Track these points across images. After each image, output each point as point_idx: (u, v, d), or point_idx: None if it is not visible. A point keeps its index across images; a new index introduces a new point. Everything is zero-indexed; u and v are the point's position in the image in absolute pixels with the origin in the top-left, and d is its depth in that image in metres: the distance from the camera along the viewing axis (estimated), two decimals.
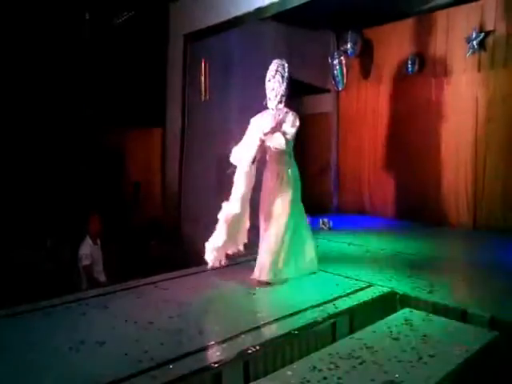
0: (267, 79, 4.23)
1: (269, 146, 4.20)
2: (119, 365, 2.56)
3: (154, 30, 7.18)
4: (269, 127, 4.15)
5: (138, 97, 7.39)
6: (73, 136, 7.03)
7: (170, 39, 6.99)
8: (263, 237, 4.26)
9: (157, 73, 7.15)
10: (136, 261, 5.53)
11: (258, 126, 4.27)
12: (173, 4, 6.94)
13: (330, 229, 6.58)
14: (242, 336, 2.89)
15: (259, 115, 4.37)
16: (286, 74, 4.16)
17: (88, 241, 4.95)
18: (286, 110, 4.23)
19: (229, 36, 6.69)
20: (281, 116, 4.19)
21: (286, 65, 4.19)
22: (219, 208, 6.76)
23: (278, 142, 4.10)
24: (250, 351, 2.67)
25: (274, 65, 4.21)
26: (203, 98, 6.38)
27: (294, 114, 4.21)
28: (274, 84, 4.18)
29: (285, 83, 4.16)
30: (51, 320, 3.27)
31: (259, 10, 5.54)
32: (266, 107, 4.32)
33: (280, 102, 4.20)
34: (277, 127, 4.14)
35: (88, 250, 4.89)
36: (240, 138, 7.07)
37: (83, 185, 6.78)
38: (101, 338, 2.90)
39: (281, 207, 4.18)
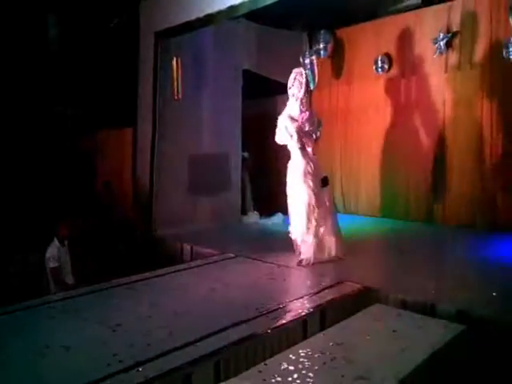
0: (288, 87, 4.87)
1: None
2: (86, 369, 2.49)
3: (125, 28, 7.07)
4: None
5: (109, 95, 7.27)
6: (42, 135, 6.85)
7: (140, 37, 6.88)
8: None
9: (128, 71, 7.04)
10: (106, 262, 5.42)
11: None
12: (144, 1, 6.84)
13: None
14: (213, 336, 2.86)
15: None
16: (304, 80, 4.83)
17: (55, 243, 4.82)
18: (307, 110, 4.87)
19: (201, 34, 6.64)
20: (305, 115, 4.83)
21: (304, 72, 4.95)
22: (191, 208, 6.73)
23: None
24: (220, 351, 2.65)
25: (293, 74, 4.85)
26: (175, 96, 6.30)
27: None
28: (294, 90, 4.81)
29: (303, 88, 4.81)
30: (16, 324, 3.16)
31: (232, 9, 5.51)
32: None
33: (301, 104, 4.82)
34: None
35: (55, 252, 4.75)
36: (212, 137, 7.10)
37: (51, 185, 6.61)
38: (67, 341, 2.82)
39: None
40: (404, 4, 7.08)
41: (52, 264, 4.74)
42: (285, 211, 5.88)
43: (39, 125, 6.85)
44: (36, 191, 6.45)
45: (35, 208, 6.22)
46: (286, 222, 5.52)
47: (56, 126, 7.08)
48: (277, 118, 4.94)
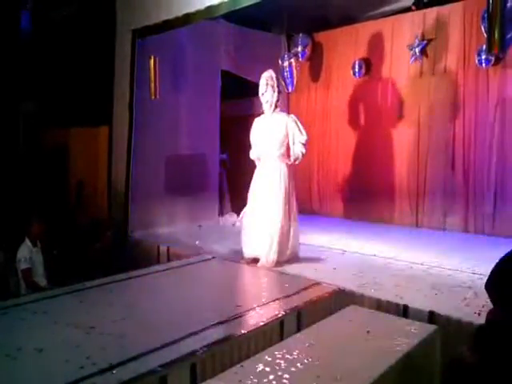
0: (260, 93, 4.69)
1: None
2: (59, 372, 2.44)
3: (101, 24, 6.95)
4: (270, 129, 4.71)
5: (84, 93, 7.13)
6: (11, 133, 6.66)
7: (117, 34, 6.78)
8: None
9: (103, 69, 6.92)
10: (79, 264, 5.32)
11: (260, 128, 4.81)
12: None
13: None
14: (189, 338, 2.84)
15: (262, 117, 4.86)
16: (276, 83, 4.68)
17: (27, 243, 4.70)
18: (282, 114, 4.81)
19: (180, 34, 6.59)
20: (279, 120, 4.70)
21: (275, 75, 4.70)
22: (168, 209, 6.67)
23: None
24: (196, 353, 2.64)
25: (264, 79, 4.65)
26: (152, 96, 6.24)
27: (292, 117, 4.75)
28: (267, 97, 4.65)
29: (276, 92, 4.67)
30: None
31: (210, 9, 5.49)
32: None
33: (275, 108, 4.72)
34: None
35: (27, 253, 4.63)
36: (190, 138, 7.06)
37: (22, 184, 6.44)
38: (39, 344, 2.75)
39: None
40: (380, 10, 7.17)
41: (23, 265, 4.62)
42: None
43: (6, 121, 6.65)
44: (3, 190, 6.26)
45: (3, 207, 6.05)
46: None
47: (26, 122, 6.89)
48: (254, 119, 4.95)
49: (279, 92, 4.73)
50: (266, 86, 4.63)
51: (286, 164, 4.71)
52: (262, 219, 4.59)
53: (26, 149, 6.82)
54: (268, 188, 4.65)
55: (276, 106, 4.71)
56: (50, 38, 6.82)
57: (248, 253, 4.70)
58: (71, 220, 6.66)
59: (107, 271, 4.39)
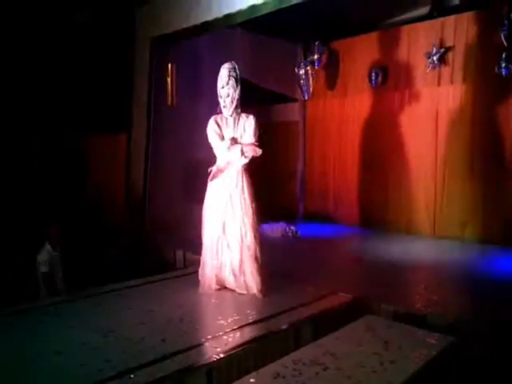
0: (220, 86, 4.03)
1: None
2: (77, 374, 2.48)
3: (120, 33, 7.07)
4: (232, 134, 4.04)
5: (104, 100, 7.23)
6: (30, 139, 6.78)
7: (136, 42, 6.90)
8: None
9: (122, 76, 7.03)
10: (98, 268, 5.38)
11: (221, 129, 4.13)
12: (140, 7, 6.86)
13: (297, 237, 6.69)
14: (206, 344, 2.86)
15: (220, 119, 4.17)
16: (239, 77, 4.00)
17: (47, 247, 4.77)
18: (244, 114, 4.08)
19: (197, 42, 6.68)
20: (241, 122, 4.05)
21: (237, 66, 4.03)
22: (184, 214, 6.68)
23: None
24: (213, 359, 2.65)
25: (226, 70, 4.01)
26: (170, 102, 6.32)
27: (254, 118, 4.06)
28: (229, 90, 3.98)
29: (239, 87, 3.98)
30: (4, 330, 3.14)
31: (228, 17, 5.57)
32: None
33: (236, 107, 4.02)
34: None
35: (46, 257, 4.70)
36: (206, 144, 7.10)
37: (42, 189, 6.55)
38: (58, 347, 2.80)
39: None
40: (397, 18, 7.16)
41: (43, 269, 4.69)
42: (278, 220, 5.86)
43: (25, 127, 6.76)
44: (22, 196, 6.37)
45: (23, 212, 6.15)
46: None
47: (45, 128, 7.00)
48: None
49: (241, 90, 4.00)
50: (228, 78, 3.96)
51: (246, 172, 4.06)
52: (231, 241, 3.91)
53: (46, 154, 6.94)
54: (232, 207, 3.96)
55: (237, 106, 4.02)
56: (69, 47, 6.95)
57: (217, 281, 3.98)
58: (90, 225, 6.75)
59: (125, 276, 4.43)
